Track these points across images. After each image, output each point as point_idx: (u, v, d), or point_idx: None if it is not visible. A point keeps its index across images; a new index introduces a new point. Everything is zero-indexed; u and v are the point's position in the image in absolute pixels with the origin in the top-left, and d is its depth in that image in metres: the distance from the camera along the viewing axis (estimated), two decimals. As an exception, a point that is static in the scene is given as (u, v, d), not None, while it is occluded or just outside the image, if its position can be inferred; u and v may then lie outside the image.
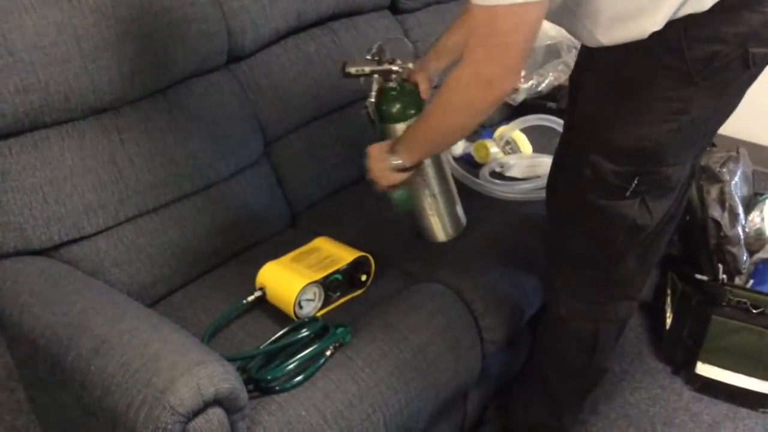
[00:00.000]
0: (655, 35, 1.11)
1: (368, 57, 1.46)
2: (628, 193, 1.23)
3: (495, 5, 1.02)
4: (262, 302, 1.43)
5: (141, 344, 1.11)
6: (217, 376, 1.06)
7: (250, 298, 1.41)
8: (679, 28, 1.10)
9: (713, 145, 2.09)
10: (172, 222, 1.51)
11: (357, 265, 1.48)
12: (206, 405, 1.05)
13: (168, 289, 1.50)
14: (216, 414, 1.07)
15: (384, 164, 1.36)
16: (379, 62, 1.45)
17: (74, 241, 1.39)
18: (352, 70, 1.45)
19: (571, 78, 1.36)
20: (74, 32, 1.35)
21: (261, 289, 1.42)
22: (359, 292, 1.50)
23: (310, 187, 1.79)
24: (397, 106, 1.44)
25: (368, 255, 1.50)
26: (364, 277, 1.49)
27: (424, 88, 1.47)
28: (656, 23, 1.10)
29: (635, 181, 1.22)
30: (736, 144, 2.26)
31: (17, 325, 1.23)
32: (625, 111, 1.18)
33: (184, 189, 1.53)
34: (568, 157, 1.31)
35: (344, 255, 1.48)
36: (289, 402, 1.21)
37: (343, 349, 1.32)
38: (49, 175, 1.35)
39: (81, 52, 1.36)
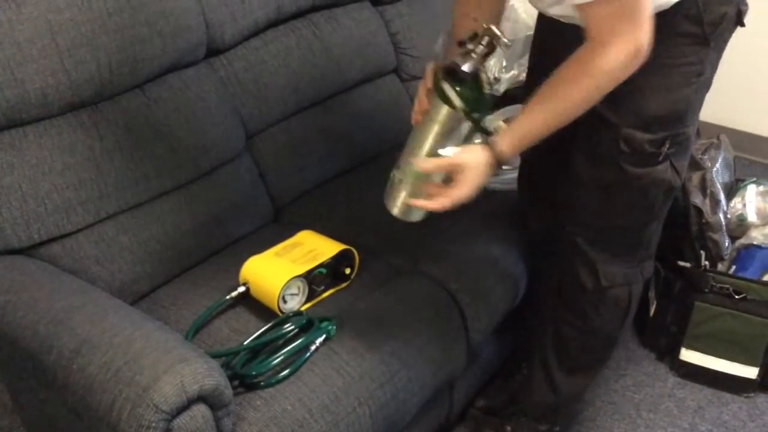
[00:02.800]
0: (675, 5, 1.19)
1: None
2: (660, 158, 1.30)
3: None
4: (246, 297, 1.42)
5: (123, 342, 1.10)
6: (200, 372, 1.05)
7: (234, 294, 1.40)
8: None
9: (695, 132, 2.11)
10: (154, 218, 1.49)
11: (341, 259, 1.47)
12: (190, 402, 1.04)
13: (150, 286, 1.49)
14: (200, 411, 1.06)
15: (487, 176, 1.22)
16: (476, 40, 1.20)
17: (54, 239, 1.37)
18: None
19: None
20: (50, 28, 1.33)
21: (245, 284, 1.41)
22: (343, 285, 1.49)
23: (293, 180, 1.78)
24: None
25: (352, 248, 1.49)
26: (348, 270, 1.49)
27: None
28: None
29: (666, 145, 1.29)
30: (717, 131, 2.27)
31: (-2, 325, 1.22)
32: (654, 80, 1.24)
33: (165, 185, 1.51)
34: (593, 138, 1.32)
35: (328, 248, 1.47)
36: (274, 397, 1.21)
37: (328, 342, 1.32)
38: (27, 173, 1.33)
39: (57, 48, 1.34)
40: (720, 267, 1.96)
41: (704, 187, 1.92)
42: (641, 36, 1.09)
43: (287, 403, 1.20)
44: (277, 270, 1.39)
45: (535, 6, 1.33)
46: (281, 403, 1.20)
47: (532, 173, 1.62)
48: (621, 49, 1.10)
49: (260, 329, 1.33)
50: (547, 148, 1.32)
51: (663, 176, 1.33)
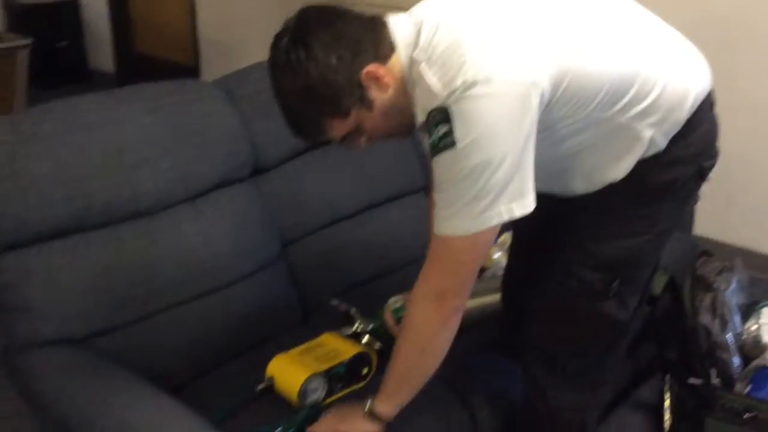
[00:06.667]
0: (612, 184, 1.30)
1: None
2: (610, 295, 1.38)
3: (452, 237, 1.17)
4: (272, 391, 1.54)
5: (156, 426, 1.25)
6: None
7: (260, 387, 1.53)
8: (642, 165, 1.28)
9: (710, 254, 2.20)
10: (195, 316, 1.66)
11: (359, 359, 1.59)
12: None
13: (189, 377, 1.63)
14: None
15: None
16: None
17: (106, 332, 1.54)
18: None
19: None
20: (118, 148, 1.57)
21: (270, 378, 1.55)
22: (361, 384, 1.61)
23: (324, 287, 1.93)
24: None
25: (369, 352, 1.62)
26: (365, 371, 1.61)
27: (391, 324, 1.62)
28: (624, 170, 1.28)
29: (615, 284, 1.37)
30: (736, 252, 2.34)
31: (49, 407, 1.38)
32: (610, 228, 1.36)
33: (207, 285, 1.69)
34: (547, 270, 1.45)
35: (348, 349, 1.60)
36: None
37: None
38: (84, 275, 1.53)
39: (123, 166, 1.57)
40: (738, 386, 2.00)
41: (714, 308, 2.00)
42: (449, 286, 1.21)
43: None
44: (299, 367, 1.52)
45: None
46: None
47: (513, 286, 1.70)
48: (429, 284, 1.23)
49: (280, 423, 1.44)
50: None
51: (609, 311, 1.40)
